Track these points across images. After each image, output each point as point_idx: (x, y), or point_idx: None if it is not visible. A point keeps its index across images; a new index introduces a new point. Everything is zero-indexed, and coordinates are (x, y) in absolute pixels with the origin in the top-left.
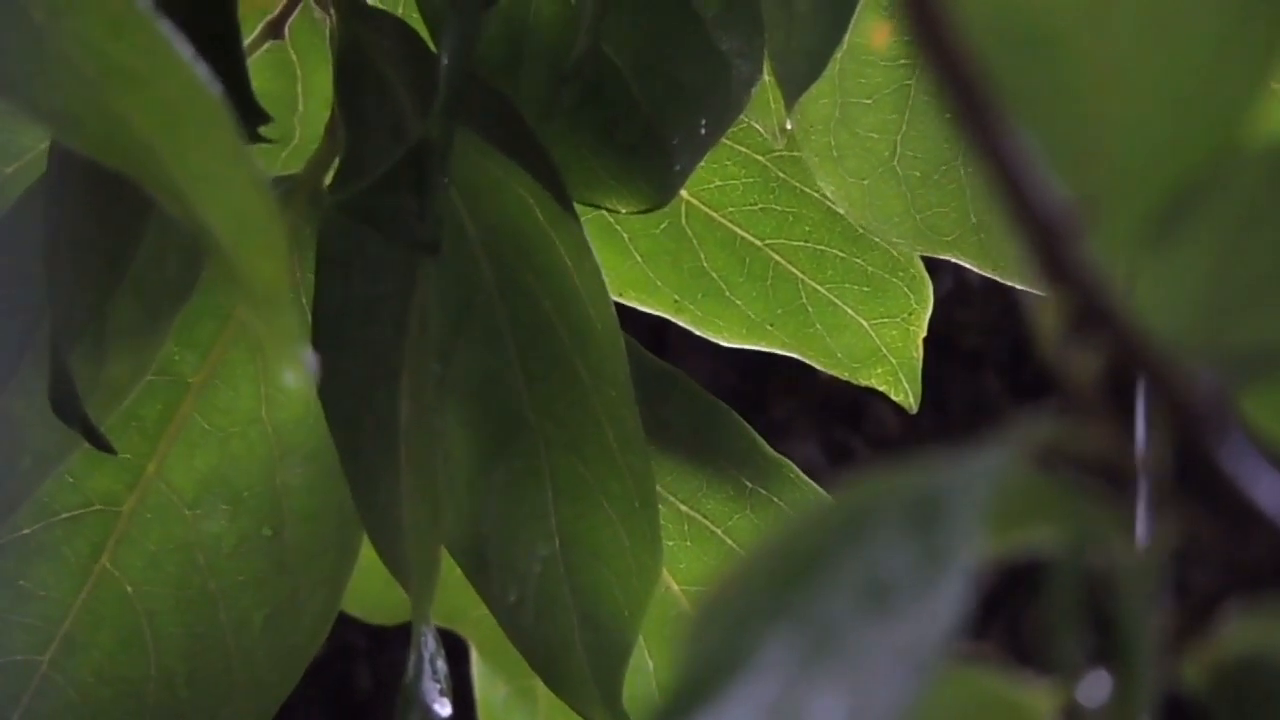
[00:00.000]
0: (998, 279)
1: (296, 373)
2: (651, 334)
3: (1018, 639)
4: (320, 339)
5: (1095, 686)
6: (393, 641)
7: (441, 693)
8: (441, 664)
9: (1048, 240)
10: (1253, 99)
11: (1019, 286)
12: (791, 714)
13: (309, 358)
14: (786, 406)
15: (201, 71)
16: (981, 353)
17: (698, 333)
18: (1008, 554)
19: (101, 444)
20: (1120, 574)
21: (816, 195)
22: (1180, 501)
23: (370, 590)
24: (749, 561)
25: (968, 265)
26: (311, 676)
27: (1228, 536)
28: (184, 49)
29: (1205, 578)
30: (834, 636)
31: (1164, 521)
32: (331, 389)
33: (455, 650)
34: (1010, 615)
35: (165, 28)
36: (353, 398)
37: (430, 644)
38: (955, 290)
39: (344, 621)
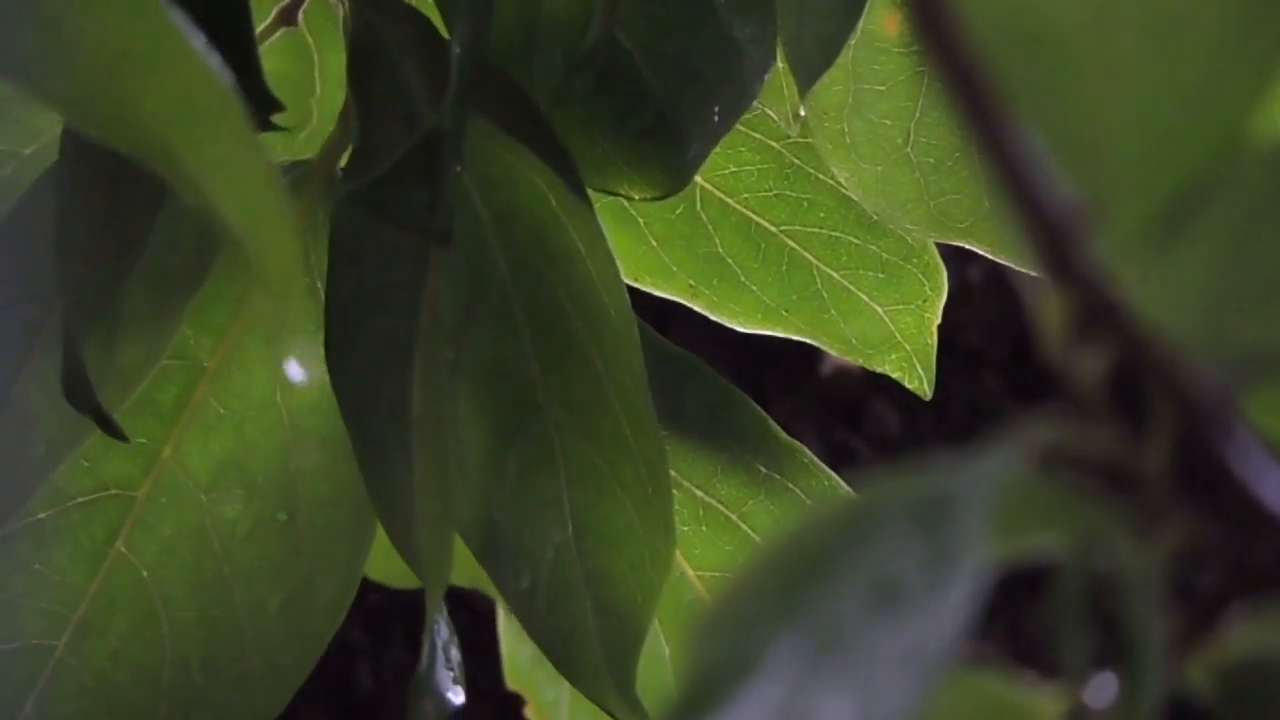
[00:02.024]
0: (1010, 265)
1: (298, 359)
2: (653, 326)
3: (1019, 642)
4: (333, 325)
5: (1101, 689)
6: (394, 641)
7: (455, 680)
8: (455, 652)
9: (1053, 239)
10: (1258, 98)
11: (1028, 276)
12: (799, 715)
13: (310, 350)
14: (786, 406)
15: (213, 61)
16: (981, 353)
17: (713, 317)
18: (1013, 556)
19: (114, 431)
20: (1126, 576)
21: (831, 182)
22: (1185, 503)
23: (393, 557)
24: (757, 563)
25: (981, 252)
26: (311, 675)
27: (1233, 538)
28: (196, 38)
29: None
30: (842, 637)
31: (1169, 523)
32: (344, 375)
33: (483, 611)
34: (1011, 618)
35: (178, 17)
36: (365, 383)
37: (443, 632)
38: (956, 290)
39: (344, 621)
